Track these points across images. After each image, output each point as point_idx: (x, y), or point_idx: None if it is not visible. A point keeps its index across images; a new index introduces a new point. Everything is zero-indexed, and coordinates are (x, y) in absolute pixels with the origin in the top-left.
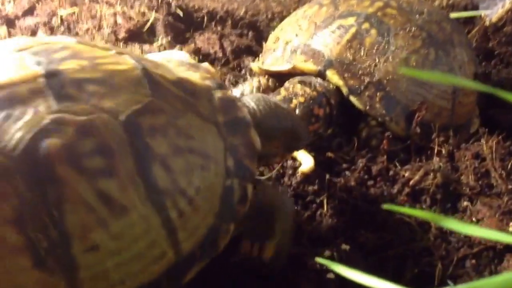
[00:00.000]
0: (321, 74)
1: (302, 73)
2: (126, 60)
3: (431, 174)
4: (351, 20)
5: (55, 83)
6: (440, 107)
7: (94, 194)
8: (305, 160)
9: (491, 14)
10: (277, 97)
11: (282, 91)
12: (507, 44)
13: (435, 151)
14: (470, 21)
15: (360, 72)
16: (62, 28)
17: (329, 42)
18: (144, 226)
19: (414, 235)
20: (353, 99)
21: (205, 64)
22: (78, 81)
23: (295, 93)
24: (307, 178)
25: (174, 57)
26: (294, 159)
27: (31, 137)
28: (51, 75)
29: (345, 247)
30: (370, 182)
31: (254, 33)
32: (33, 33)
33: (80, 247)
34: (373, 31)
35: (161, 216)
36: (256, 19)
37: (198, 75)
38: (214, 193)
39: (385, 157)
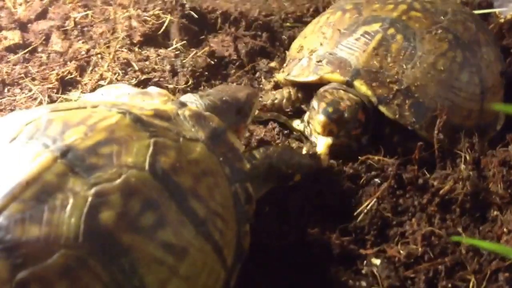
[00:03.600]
0: (349, 84)
1: (330, 83)
2: (110, 112)
3: (460, 183)
4: (376, 26)
5: (74, 159)
6: (469, 109)
7: (159, 248)
8: (320, 142)
9: (506, 11)
10: (322, 101)
11: (328, 95)
12: None
13: (462, 157)
14: (484, 18)
15: (388, 80)
16: (75, 32)
17: (354, 50)
18: (202, 258)
19: (446, 247)
20: (382, 108)
21: (153, 89)
22: (91, 149)
23: (340, 97)
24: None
25: (118, 92)
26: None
27: (85, 219)
28: (66, 153)
29: (375, 261)
30: (400, 192)
31: (268, 34)
32: (47, 36)
33: None
34: (399, 37)
35: (210, 242)
36: (269, 20)
37: (158, 101)
38: (229, 203)
39: (415, 166)
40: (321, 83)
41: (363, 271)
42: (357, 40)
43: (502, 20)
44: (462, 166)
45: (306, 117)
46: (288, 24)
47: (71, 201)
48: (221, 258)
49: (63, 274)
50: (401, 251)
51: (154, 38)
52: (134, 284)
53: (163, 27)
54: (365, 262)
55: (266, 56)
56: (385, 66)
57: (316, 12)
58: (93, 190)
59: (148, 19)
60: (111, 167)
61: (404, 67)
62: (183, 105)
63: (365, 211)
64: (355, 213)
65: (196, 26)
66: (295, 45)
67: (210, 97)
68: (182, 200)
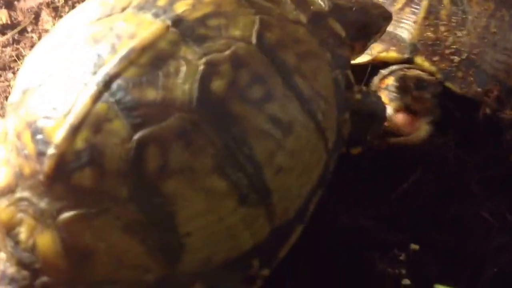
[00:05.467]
0: (408, 62)
1: (382, 63)
2: None
3: (502, 160)
4: None
5: (185, 29)
6: None
7: (267, 120)
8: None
9: None
10: (408, 78)
11: (409, 73)
12: None
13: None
14: None
15: (447, 51)
16: (66, 9)
17: (403, 22)
18: (306, 135)
19: (490, 231)
20: (448, 84)
21: None
22: (200, 20)
23: (420, 73)
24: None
25: None
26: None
27: (198, 86)
28: (177, 22)
29: (414, 247)
30: (439, 172)
31: None
32: (37, 15)
33: (270, 173)
34: (446, 1)
35: (314, 121)
36: None
37: None
38: (331, 87)
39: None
40: (373, 63)
41: (401, 258)
42: (401, 10)
43: None
44: (504, 142)
45: None
46: None
47: (183, 68)
48: (324, 139)
49: (179, 135)
50: (443, 236)
51: None
52: (244, 152)
53: None
54: (403, 248)
55: None
56: (440, 37)
57: None
58: (204, 59)
59: None
60: (220, 39)
61: (459, 34)
62: None
63: (404, 193)
64: (393, 196)
65: None
66: None
67: (341, 1)
68: (288, 76)
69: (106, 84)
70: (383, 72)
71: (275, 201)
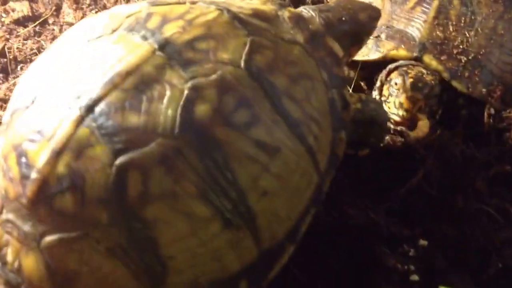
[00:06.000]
0: (417, 60)
1: (392, 60)
2: (209, 8)
3: (507, 156)
4: None
5: (172, 52)
6: None
7: (252, 145)
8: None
9: None
10: (407, 76)
11: (410, 70)
12: None
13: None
14: None
15: (455, 51)
16: (88, 1)
17: (413, 21)
18: (295, 159)
19: (495, 225)
20: (455, 83)
21: None
22: (188, 43)
23: (420, 71)
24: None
25: None
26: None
27: (181, 112)
28: (164, 46)
29: (422, 242)
30: (447, 167)
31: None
32: (58, 7)
33: (255, 197)
34: (456, 2)
35: (304, 145)
36: None
37: (257, 0)
38: (326, 109)
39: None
40: (384, 61)
41: (410, 253)
42: (412, 9)
43: None
44: (509, 140)
45: (375, 95)
46: None
47: (168, 93)
48: (315, 162)
49: (160, 161)
50: (449, 231)
51: None
52: (227, 177)
53: None
54: (412, 243)
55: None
56: (449, 36)
57: None
58: (189, 84)
59: None
60: (207, 63)
61: (467, 35)
62: (282, 6)
63: (411, 188)
64: (400, 191)
65: None
66: None
67: (329, 14)
68: (277, 100)
69: (89, 109)
70: (390, 66)
71: (261, 224)
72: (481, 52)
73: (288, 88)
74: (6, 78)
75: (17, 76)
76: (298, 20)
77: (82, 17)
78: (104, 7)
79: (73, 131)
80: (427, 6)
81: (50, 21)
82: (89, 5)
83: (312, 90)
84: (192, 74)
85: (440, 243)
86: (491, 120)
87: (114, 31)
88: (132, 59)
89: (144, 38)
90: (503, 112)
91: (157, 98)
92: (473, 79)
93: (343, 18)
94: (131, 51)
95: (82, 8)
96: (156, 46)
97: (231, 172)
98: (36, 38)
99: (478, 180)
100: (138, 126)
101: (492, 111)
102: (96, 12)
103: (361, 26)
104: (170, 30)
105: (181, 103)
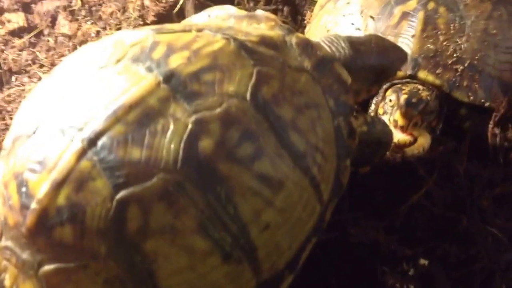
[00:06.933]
0: (412, 78)
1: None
2: (215, 37)
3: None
4: (413, 3)
5: (176, 85)
6: None
7: (255, 179)
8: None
9: None
10: (401, 93)
11: (404, 86)
12: None
13: None
14: None
15: (449, 61)
16: (83, 12)
17: (401, 37)
18: (298, 191)
19: (500, 246)
20: (456, 94)
21: (260, 12)
22: (194, 75)
23: (415, 87)
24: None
25: (223, 13)
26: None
27: (184, 146)
28: (169, 78)
29: (423, 261)
30: (449, 184)
31: (290, 9)
32: (53, 18)
33: (256, 231)
34: (442, 9)
35: (308, 177)
36: None
37: (264, 26)
38: (331, 137)
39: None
40: None
41: (410, 273)
42: (398, 24)
43: None
44: None
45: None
46: None
47: (171, 127)
48: (318, 193)
49: (161, 196)
50: (452, 250)
51: (169, 18)
52: (228, 212)
53: (178, 6)
54: (412, 262)
55: None
56: (441, 47)
57: None
58: (193, 118)
59: None
60: (212, 95)
61: (459, 41)
62: (290, 31)
63: (412, 206)
64: (402, 208)
65: (212, 2)
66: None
67: (361, 46)
68: (282, 132)
69: (92, 142)
70: (384, 86)
71: (262, 256)
72: (476, 57)
73: (293, 119)
74: (0, 89)
75: (12, 87)
76: (306, 46)
77: (77, 29)
78: (100, 19)
79: (75, 164)
80: (413, 19)
81: (46, 32)
82: (85, 16)
83: (317, 119)
84: (197, 108)
85: (442, 262)
86: (497, 132)
87: (118, 61)
88: (136, 92)
89: (149, 69)
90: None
91: (161, 132)
92: (472, 86)
93: (374, 53)
94: (135, 83)
95: (77, 20)
96: (161, 78)
97: (234, 206)
98: (31, 49)
99: (482, 199)
100: (140, 160)
101: (498, 117)
102: (91, 24)
103: (389, 65)
104: (175, 61)
105: (185, 137)
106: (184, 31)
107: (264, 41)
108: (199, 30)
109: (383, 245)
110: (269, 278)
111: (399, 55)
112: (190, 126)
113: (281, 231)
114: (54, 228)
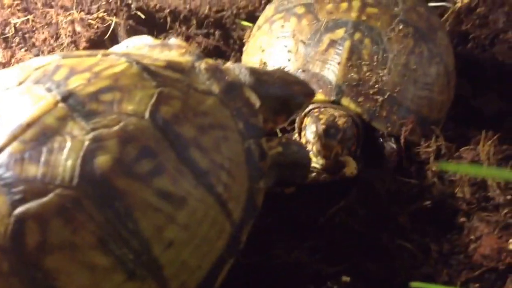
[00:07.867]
0: (334, 103)
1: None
2: (118, 60)
3: (427, 191)
4: (341, 33)
5: (75, 104)
6: (441, 102)
7: (155, 195)
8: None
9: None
10: (319, 123)
11: (321, 115)
12: (481, 27)
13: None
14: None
15: (370, 91)
16: (17, 39)
17: (327, 63)
18: (203, 208)
19: (415, 261)
20: (374, 123)
21: (173, 40)
22: (93, 95)
23: (332, 114)
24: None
25: (140, 43)
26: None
27: (81, 162)
28: (67, 98)
29: (345, 278)
30: (370, 201)
31: (221, 32)
32: None
33: (159, 248)
34: (367, 41)
35: (212, 194)
36: (221, 16)
37: (175, 52)
38: (240, 158)
39: (388, 175)
40: None
41: None
42: (326, 51)
43: (458, 5)
44: (429, 173)
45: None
46: (240, 20)
47: (68, 144)
48: (225, 211)
49: (58, 212)
50: (373, 266)
51: (101, 43)
52: (128, 227)
53: (110, 31)
54: (335, 280)
55: (221, 55)
56: (363, 77)
57: None
58: (90, 135)
59: (93, 22)
60: (110, 114)
61: (381, 73)
62: (200, 57)
63: (334, 223)
64: (324, 227)
65: (144, 27)
66: (254, 59)
67: (264, 76)
68: (183, 150)
69: None
70: (302, 114)
71: (169, 274)
72: (396, 90)
73: (196, 137)
74: None
75: None
76: (215, 71)
77: (11, 56)
78: (33, 45)
79: None
80: (340, 48)
81: None
82: (18, 43)
83: (223, 140)
84: (94, 126)
85: (364, 278)
86: (411, 154)
87: (21, 83)
88: (34, 111)
89: (49, 90)
90: (421, 145)
91: (57, 150)
92: (391, 118)
93: (277, 83)
94: (34, 103)
95: (11, 47)
96: (59, 97)
97: (134, 222)
98: None
99: (401, 216)
100: (36, 177)
101: (410, 144)
102: (25, 51)
103: (292, 96)
104: (75, 82)
105: (81, 154)
106: (90, 55)
107: (171, 65)
108: (106, 55)
109: (307, 265)
110: None
111: (305, 90)
112: (87, 143)
113: (187, 248)
114: None
